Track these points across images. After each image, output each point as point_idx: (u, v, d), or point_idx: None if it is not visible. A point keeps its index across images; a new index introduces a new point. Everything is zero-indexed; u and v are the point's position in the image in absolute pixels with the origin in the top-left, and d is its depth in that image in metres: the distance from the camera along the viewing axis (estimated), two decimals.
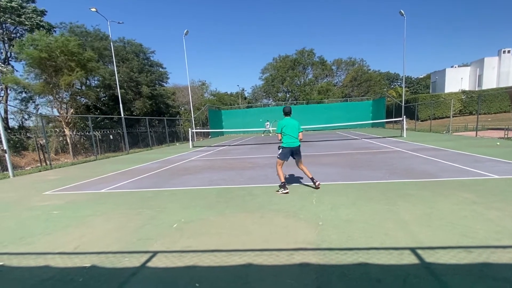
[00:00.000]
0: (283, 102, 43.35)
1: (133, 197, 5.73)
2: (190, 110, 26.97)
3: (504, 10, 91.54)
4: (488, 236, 3.04)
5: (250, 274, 2.58)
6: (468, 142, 11.91)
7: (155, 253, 3.11)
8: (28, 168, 12.10)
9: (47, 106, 20.99)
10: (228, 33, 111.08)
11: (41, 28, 22.44)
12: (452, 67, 46.96)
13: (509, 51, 40.23)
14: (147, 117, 20.86)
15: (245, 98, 55.95)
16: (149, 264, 2.88)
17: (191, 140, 18.85)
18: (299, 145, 5.63)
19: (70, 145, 17.38)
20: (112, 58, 20.34)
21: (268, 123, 27.56)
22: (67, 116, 17.78)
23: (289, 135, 5.51)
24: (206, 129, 28.42)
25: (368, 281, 2.36)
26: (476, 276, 2.34)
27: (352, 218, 3.80)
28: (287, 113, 5.67)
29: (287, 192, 5.29)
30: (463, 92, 33.68)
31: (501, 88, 32.13)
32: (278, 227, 3.66)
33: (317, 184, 5.48)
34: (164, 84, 34.63)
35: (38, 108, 22.29)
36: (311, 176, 5.56)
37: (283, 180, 5.44)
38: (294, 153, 5.64)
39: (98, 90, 27.15)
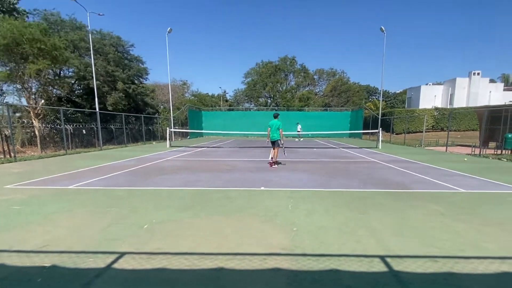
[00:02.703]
0: (264, 108, 43.61)
1: (103, 195, 5.47)
2: (170, 109, 26.43)
3: (477, 32, 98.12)
4: (453, 247, 3.17)
5: (222, 278, 2.52)
6: (439, 157, 12.50)
7: (122, 254, 2.97)
8: None
9: (15, 95, 19.77)
10: (213, 34, 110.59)
11: (14, 12, 21.24)
12: (427, 84, 49.37)
13: (478, 73, 42.90)
14: (123, 114, 20.17)
15: (227, 101, 55.71)
16: (115, 266, 2.74)
17: (169, 139, 18.43)
18: (276, 140, 9.03)
19: (38, 138, 16.40)
20: (90, 49, 19.55)
21: (300, 125, 26.66)
22: (36, 107, 16.80)
23: (271, 132, 9.08)
24: (185, 129, 27.90)
25: (339, 287, 2.38)
26: (440, 285, 2.43)
27: (326, 225, 3.84)
28: (275, 116, 9.31)
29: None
30: (436, 109, 35.51)
31: (470, 107, 34.16)
32: (253, 231, 3.62)
33: (272, 166, 8.83)
34: (144, 80, 33.66)
35: (5, 96, 20.95)
36: (274, 160, 9.06)
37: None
38: (273, 143, 9.13)
39: (72, 82, 25.98)
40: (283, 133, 8.99)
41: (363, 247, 3.14)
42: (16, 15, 21.02)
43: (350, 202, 4.97)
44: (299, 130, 26.56)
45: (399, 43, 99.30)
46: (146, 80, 34.12)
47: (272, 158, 9.15)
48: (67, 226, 3.79)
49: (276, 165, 9.04)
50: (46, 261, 2.83)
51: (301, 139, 26.67)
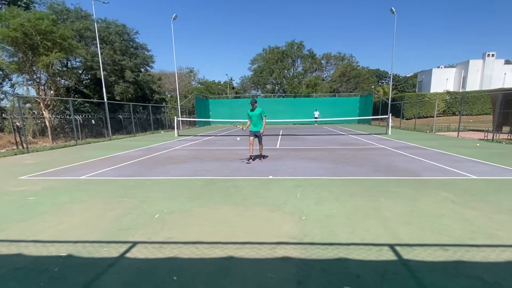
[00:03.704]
0: (272, 94, 43.24)
1: (114, 185, 5.58)
2: (177, 97, 26.43)
3: (492, 13, 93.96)
4: (463, 235, 3.14)
5: (231, 267, 2.57)
6: (450, 142, 12.27)
7: (134, 243, 3.04)
8: (3, 150, 11.56)
9: (24, 86, 20.01)
10: (219, 21, 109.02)
11: (19, 2, 21.21)
12: (438, 67, 47.98)
13: (493, 55, 41.42)
14: (131, 103, 20.28)
15: (233, 88, 55.37)
16: (128, 255, 2.81)
17: (177, 128, 18.55)
18: (258, 130, 7.76)
19: (49, 129, 16.69)
20: (96, 39, 19.50)
21: (318, 112, 26.80)
22: (45, 98, 17.01)
23: (254, 122, 7.81)
24: (193, 117, 27.97)
25: (348, 276, 2.40)
26: (450, 274, 2.41)
27: (335, 213, 3.84)
28: (252, 104, 7.86)
29: (248, 162, 7.62)
30: (448, 92, 34.61)
31: (484, 90, 33.22)
32: (262, 220, 3.65)
33: (250, 161, 7.78)
34: (150, 68, 33.58)
35: (15, 88, 21.23)
36: (260, 152, 8.15)
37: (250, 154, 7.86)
38: (256, 135, 7.81)
39: (80, 72, 26.08)
40: (266, 121, 7.90)
41: (372, 236, 3.14)
42: (20, 5, 20.97)
43: (359, 190, 4.95)
44: (316, 116, 26.59)
45: (411, 25, 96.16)
46: (152, 68, 34.07)
47: (251, 154, 7.89)
48: (80, 216, 3.89)
49: (262, 159, 8.18)
50: (61, 250, 2.92)
51: (317, 125, 26.86)
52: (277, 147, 11.36)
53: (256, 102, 7.87)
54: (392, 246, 2.89)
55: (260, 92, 49.40)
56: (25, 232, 3.39)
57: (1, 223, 3.69)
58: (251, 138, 7.70)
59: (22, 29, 14.93)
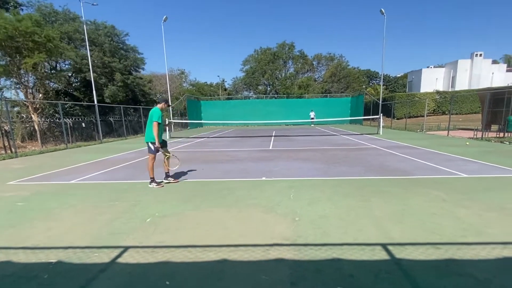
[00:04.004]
0: (264, 95, 43.32)
1: (105, 189, 5.49)
2: (168, 99, 26.26)
3: (480, 14, 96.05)
4: (455, 233, 3.18)
5: (225, 270, 2.54)
6: (441, 141, 12.46)
7: (126, 248, 2.99)
8: None
9: (13, 89, 19.64)
10: (210, 22, 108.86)
11: (7, 5, 20.81)
12: (428, 67, 48.78)
13: (481, 55, 42.30)
14: (121, 106, 20.05)
15: (225, 89, 55.31)
16: (120, 260, 2.76)
17: (168, 130, 18.41)
18: (147, 142, 5.51)
19: (38, 132, 16.39)
20: (85, 41, 19.24)
21: (313, 113, 27.24)
22: (34, 102, 16.70)
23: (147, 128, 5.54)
24: (184, 119, 27.79)
25: (341, 277, 2.40)
26: (442, 272, 2.44)
27: (328, 214, 3.85)
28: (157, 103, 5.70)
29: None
30: (437, 92, 35.19)
31: (473, 90, 33.85)
32: (255, 222, 3.64)
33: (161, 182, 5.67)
34: (141, 70, 33.32)
35: (3, 91, 20.82)
36: (166, 170, 5.83)
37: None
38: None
39: (69, 75, 25.70)
40: (156, 129, 5.28)
41: (365, 236, 3.15)
42: (8, 7, 20.59)
43: (352, 190, 4.98)
44: (312, 117, 26.93)
45: (400, 26, 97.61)
46: (143, 70, 33.80)
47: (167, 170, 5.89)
48: (71, 221, 3.81)
49: (165, 181, 5.83)
50: (51, 257, 2.86)
51: (313, 126, 27.51)
52: (270, 148, 11.36)
53: (160, 103, 5.68)
54: (384, 246, 2.90)
55: (252, 93, 49.45)
56: (13, 239, 3.30)
57: None
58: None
59: (4, 32, 14.62)
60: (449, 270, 2.46)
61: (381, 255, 2.74)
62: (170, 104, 5.85)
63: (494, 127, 15.37)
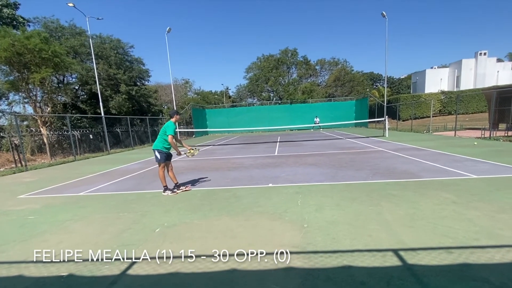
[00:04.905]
0: (268, 102, 43.42)
1: (114, 200, 5.54)
2: (173, 108, 26.49)
3: (483, 12, 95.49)
4: (467, 236, 3.12)
5: (235, 280, 2.53)
6: (448, 142, 12.31)
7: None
8: (1, 169, 11.49)
9: (22, 103, 20.03)
10: (213, 31, 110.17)
11: (14, 22, 21.37)
12: (432, 68, 48.48)
13: (485, 53, 41.95)
14: (128, 116, 20.30)
15: (230, 97, 55.64)
16: (130, 272, 2.77)
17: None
18: (155, 149, 5.73)
19: (47, 145, 16.66)
20: (91, 54, 19.63)
21: (318, 119, 27.91)
22: (42, 115, 17.02)
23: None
24: (190, 128, 27.99)
25: (353, 284, 2.37)
26: (456, 277, 2.39)
27: (337, 220, 3.82)
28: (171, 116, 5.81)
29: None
30: (442, 92, 34.89)
31: (478, 89, 33.49)
32: (264, 230, 3.63)
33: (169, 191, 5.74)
34: (146, 82, 33.77)
35: (12, 106, 21.25)
36: (163, 184, 5.76)
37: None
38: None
39: (76, 88, 26.15)
40: (173, 142, 5.53)
41: (375, 241, 3.12)
42: (16, 24, 21.14)
43: (360, 195, 4.93)
44: (317, 122, 27.42)
45: (402, 28, 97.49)
46: (148, 82, 34.23)
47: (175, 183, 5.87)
48: (81, 234, 3.85)
49: (178, 191, 5.83)
50: (62, 270, 2.88)
51: (319, 129, 28.33)
52: (276, 154, 11.35)
53: (173, 114, 5.77)
54: (396, 251, 2.86)
55: (256, 100, 49.61)
56: (25, 253, 3.34)
57: (0, 244, 3.64)
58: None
59: (12, 49, 14.99)
60: (463, 275, 2.41)
61: (393, 261, 2.70)
62: (179, 112, 6.00)
63: (502, 126, 15.15)
